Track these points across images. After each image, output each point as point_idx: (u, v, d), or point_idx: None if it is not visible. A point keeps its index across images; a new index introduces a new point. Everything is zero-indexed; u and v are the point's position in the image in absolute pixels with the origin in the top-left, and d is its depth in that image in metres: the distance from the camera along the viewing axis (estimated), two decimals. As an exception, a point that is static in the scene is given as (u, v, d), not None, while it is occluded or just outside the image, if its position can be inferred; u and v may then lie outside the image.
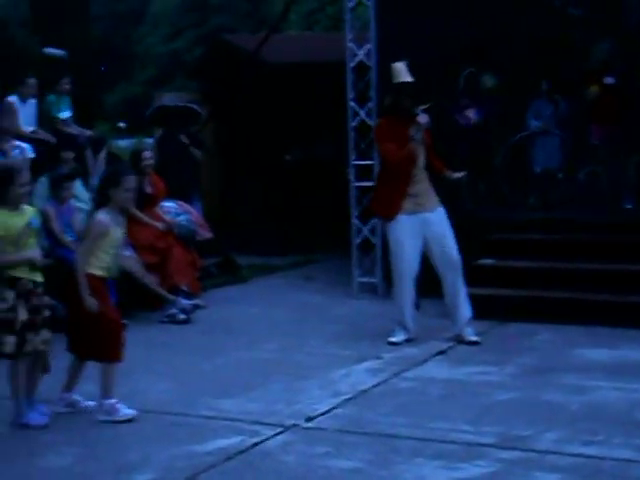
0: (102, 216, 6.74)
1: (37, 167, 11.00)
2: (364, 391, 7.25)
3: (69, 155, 10.89)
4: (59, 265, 8.24)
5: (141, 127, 27.87)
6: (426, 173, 8.61)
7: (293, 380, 7.54)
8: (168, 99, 14.01)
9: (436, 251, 8.56)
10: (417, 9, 10.81)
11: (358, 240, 11.12)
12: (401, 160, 8.42)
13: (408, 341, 8.64)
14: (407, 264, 8.60)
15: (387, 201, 8.61)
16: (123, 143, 25.22)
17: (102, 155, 12.26)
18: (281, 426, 6.43)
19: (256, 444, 6.13)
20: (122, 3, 55.42)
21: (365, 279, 11.12)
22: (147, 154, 11.06)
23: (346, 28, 11.09)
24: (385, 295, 10.36)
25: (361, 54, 10.96)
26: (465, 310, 8.62)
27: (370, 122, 10.81)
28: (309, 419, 6.58)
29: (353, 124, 11.04)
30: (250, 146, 15.01)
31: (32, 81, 11.86)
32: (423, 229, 8.52)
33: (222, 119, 14.94)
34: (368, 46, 10.93)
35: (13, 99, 11.63)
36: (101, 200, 6.82)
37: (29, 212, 6.72)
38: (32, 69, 14.17)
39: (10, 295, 6.52)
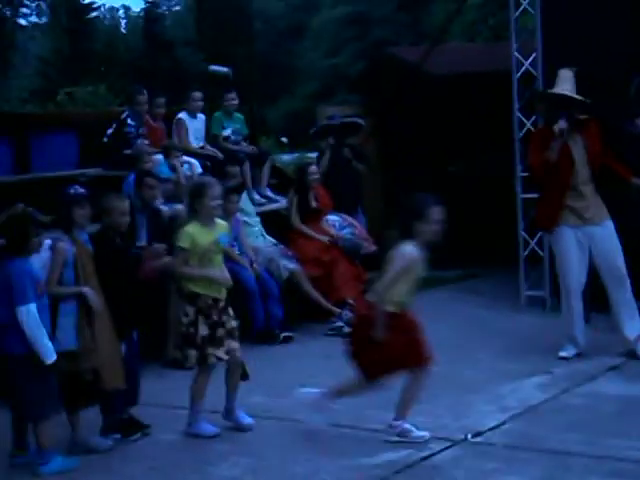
0: (410, 248, 6.37)
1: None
2: (533, 407, 7.12)
3: (235, 170, 11.08)
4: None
5: (303, 141, 28.29)
6: (592, 186, 8.41)
7: (460, 394, 7.46)
8: (332, 114, 14.07)
9: (602, 266, 8.37)
10: (584, 16, 10.56)
11: (525, 253, 10.93)
12: (537, 169, 8.35)
13: (578, 355, 8.44)
14: (574, 277, 8.43)
15: (546, 213, 8.50)
16: (286, 157, 25.62)
17: (266, 169, 12.44)
18: (450, 440, 6.37)
19: (425, 458, 6.10)
20: (284, 19, 56.34)
21: (532, 292, 10.91)
22: (313, 168, 11.19)
23: (512, 37, 10.94)
24: (553, 309, 10.15)
25: (527, 63, 10.79)
26: (634, 326, 8.37)
27: (537, 133, 10.64)
28: (478, 434, 6.50)
29: (519, 135, 10.87)
30: (413, 159, 14.96)
31: (197, 95, 12.14)
32: (589, 242, 8.35)
33: (384, 132, 14.95)
34: (534, 55, 10.76)
35: (183, 116, 11.93)
36: (405, 233, 6.43)
37: (220, 228, 6.84)
38: (198, 86, 14.50)
39: (191, 310, 6.65)
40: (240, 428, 6.81)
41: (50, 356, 6.13)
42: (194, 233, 6.68)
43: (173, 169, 10.72)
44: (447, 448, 6.26)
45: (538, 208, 8.78)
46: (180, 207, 10.04)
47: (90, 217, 6.92)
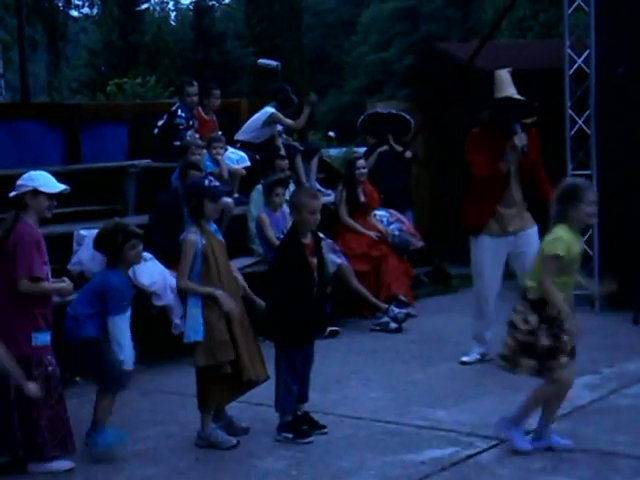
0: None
1: (254, 176, 11.29)
2: (582, 407, 7.04)
3: (284, 163, 11.07)
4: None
5: (350, 136, 28.30)
6: (522, 194, 8.31)
7: (507, 393, 7.39)
8: (381, 107, 14.06)
9: (519, 270, 8.26)
10: (639, 13, 10.44)
11: (574, 251, 10.80)
12: (490, 176, 8.18)
13: (481, 360, 8.51)
14: (485, 283, 8.48)
15: (475, 215, 8.36)
16: (334, 152, 25.63)
17: (314, 163, 12.44)
18: (496, 439, 6.33)
19: (470, 456, 6.07)
20: (333, 13, 56.38)
21: (581, 291, 10.76)
22: (361, 163, 11.16)
23: (565, 34, 10.84)
24: (602, 308, 10.07)
25: (580, 61, 10.67)
26: None
27: (588, 131, 10.55)
28: (524, 433, 6.44)
29: (571, 133, 10.76)
30: (462, 155, 14.87)
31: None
32: (507, 249, 8.35)
33: (433, 128, 14.89)
34: (587, 52, 10.64)
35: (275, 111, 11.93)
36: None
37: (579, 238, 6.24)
38: (247, 79, 14.52)
39: (533, 319, 6.12)
40: (555, 449, 6.17)
41: (129, 364, 6.43)
42: (569, 239, 6.02)
43: (216, 162, 10.72)
44: (493, 447, 6.21)
45: (467, 207, 8.56)
46: (228, 200, 10.07)
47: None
